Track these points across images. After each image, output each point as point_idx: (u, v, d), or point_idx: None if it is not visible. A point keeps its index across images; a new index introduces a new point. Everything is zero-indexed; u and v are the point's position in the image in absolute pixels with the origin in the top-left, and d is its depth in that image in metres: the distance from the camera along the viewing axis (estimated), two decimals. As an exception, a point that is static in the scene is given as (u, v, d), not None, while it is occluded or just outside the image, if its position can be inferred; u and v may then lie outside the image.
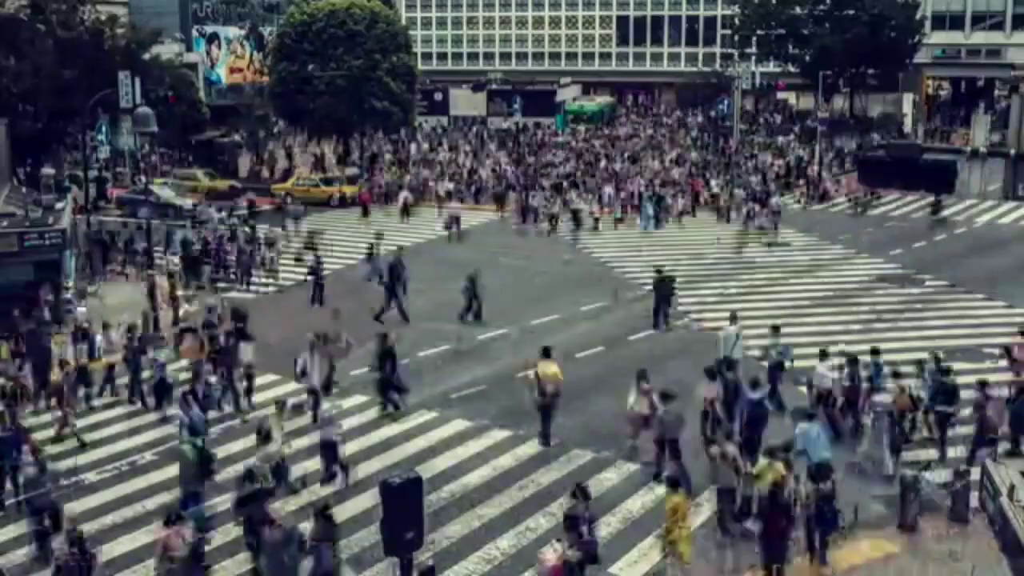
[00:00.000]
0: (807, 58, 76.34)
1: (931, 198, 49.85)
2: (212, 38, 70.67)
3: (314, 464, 20.03)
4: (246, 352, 24.20)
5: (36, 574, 16.34)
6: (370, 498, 17.53)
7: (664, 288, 30.48)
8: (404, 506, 12.08)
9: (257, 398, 24.15)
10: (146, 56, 49.65)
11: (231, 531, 17.44)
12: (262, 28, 74.84)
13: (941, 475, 18.81)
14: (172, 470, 20.02)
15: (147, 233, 35.89)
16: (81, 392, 23.71)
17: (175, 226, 40.56)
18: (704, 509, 18.44)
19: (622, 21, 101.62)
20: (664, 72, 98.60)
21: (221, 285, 35.20)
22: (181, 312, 30.89)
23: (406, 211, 48.14)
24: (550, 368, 21.44)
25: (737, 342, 24.28)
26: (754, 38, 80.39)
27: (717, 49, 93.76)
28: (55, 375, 23.32)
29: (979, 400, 19.91)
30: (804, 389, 22.69)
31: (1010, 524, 14.23)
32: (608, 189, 50.51)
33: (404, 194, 49.49)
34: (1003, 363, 25.26)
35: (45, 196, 33.36)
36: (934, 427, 20.83)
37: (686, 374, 25.63)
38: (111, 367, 24.87)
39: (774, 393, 22.50)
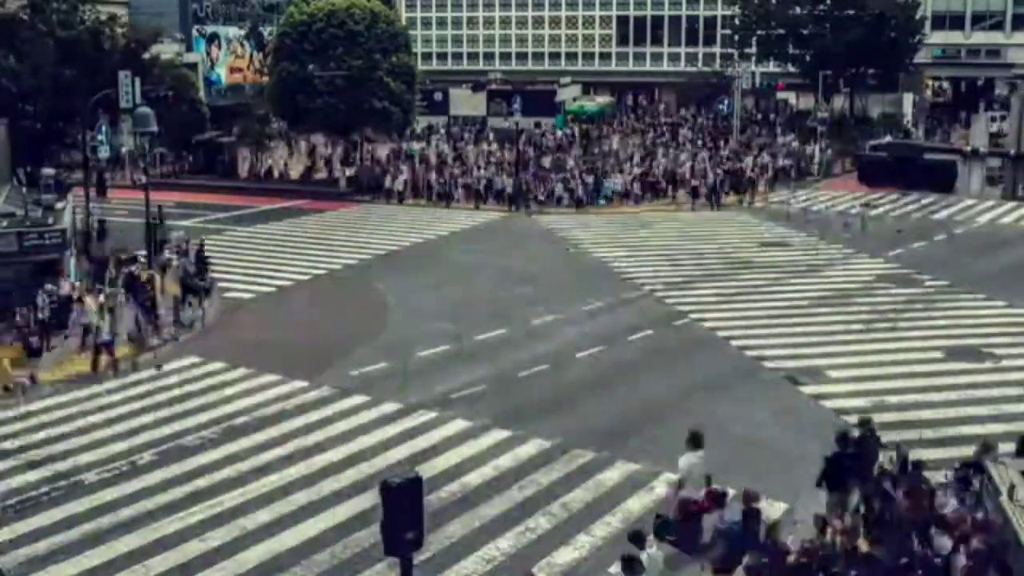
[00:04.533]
0: (807, 58, 76.34)
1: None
2: (212, 38, 70.68)
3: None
4: None
5: (37, 573, 16.37)
6: (370, 498, 17.52)
7: None
8: (404, 506, 12.06)
9: (257, 398, 24.17)
10: (146, 56, 49.64)
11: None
12: (262, 28, 74.83)
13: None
14: (172, 470, 20.08)
15: (147, 232, 35.88)
16: None
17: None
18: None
19: (622, 21, 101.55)
20: (664, 72, 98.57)
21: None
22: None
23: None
24: None
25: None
26: (754, 38, 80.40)
27: (717, 49, 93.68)
28: None
29: None
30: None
31: (1010, 524, 14.20)
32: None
33: None
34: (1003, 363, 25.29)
35: (45, 196, 33.34)
36: None
37: (688, 374, 25.74)
38: None
39: None
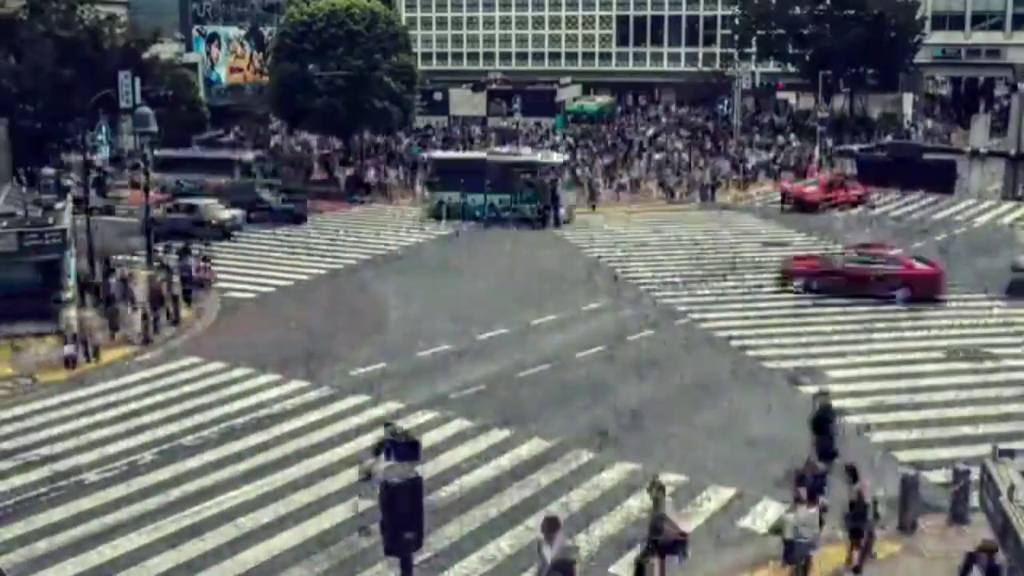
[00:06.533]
0: (807, 58, 76.37)
1: None
2: (212, 38, 70.69)
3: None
4: None
5: (37, 573, 16.38)
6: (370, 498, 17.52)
7: None
8: (404, 506, 12.07)
9: (257, 398, 24.17)
10: (145, 56, 49.68)
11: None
12: (262, 28, 74.85)
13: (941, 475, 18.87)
14: (172, 470, 20.08)
15: (147, 232, 35.88)
16: None
17: None
18: (704, 509, 18.46)
19: (622, 21, 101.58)
20: (664, 72, 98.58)
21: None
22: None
23: None
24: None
25: None
26: (754, 38, 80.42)
27: (717, 49, 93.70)
28: None
29: None
30: None
31: (1010, 524, 14.20)
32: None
33: None
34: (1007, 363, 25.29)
35: (45, 196, 33.33)
36: None
37: (687, 375, 25.74)
38: None
39: None
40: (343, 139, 63.23)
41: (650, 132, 74.82)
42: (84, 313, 27.52)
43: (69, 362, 26.33)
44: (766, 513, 18.27)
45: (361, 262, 39.05)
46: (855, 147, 63.54)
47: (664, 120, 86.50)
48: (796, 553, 15.46)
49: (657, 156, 61.92)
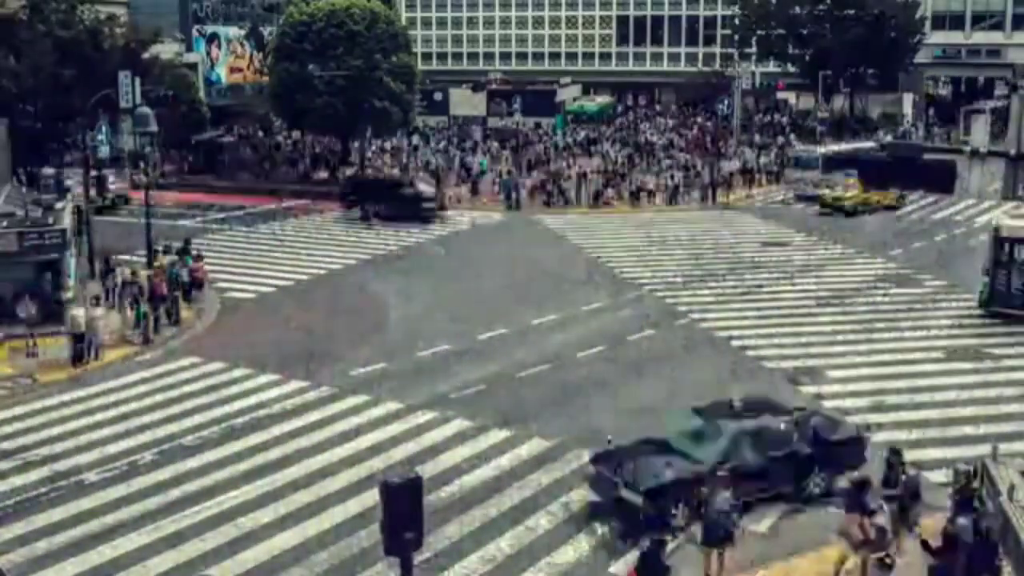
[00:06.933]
0: (807, 58, 76.44)
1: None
2: (212, 38, 70.71)
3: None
4: None
5: (37, 573, 16.38)
6: (370, 498, 17.52)
7: None
8: (404, 506, 12.06)
9: (257, 398, 24.17)
10: (145, 56, 49.70)
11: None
12: (262, 28, 74.86)
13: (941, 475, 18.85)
14: (172, 470, 20.08)
15: (147, 232, 35.86)
16: None
17: None
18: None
19: (622, 21, 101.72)
20: (664, 72, 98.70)
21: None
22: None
23: None
24: None
25: None
26: (754, 38, 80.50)
27: (717, 49, 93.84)
28: None
29: None
30: None
31: (1010, 524, 14.21)
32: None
33: None
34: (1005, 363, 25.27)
35: (45, 196, 33.33)
36: None
37: (688, 374, 25.74)
38: None
39: None
40: (342, 139, 63.24)
41: (659, 138, 74.74)
42: (92, 312, 27.46)
43: (76, 360, 26.31)
44: (766, 513, 18.27)
45: (361, 262, 39.06)
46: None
47: (664, 121, 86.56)
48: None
49: (667, 161, 62.00)
